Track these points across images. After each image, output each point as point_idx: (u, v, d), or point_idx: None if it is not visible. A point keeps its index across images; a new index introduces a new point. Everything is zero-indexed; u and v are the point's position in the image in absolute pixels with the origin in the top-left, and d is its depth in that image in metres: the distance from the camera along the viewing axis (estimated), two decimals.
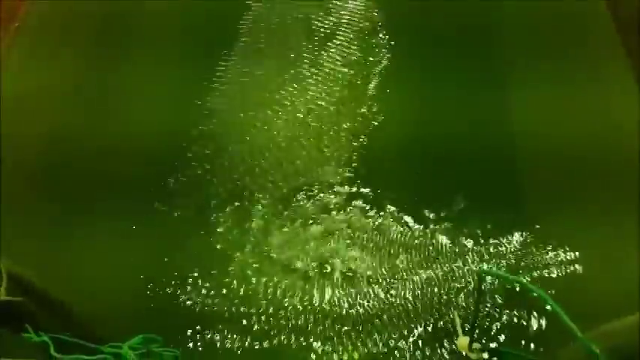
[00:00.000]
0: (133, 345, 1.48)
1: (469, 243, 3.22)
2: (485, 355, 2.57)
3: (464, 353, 2.55)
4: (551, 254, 3.20)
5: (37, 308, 1.91)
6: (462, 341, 2.59)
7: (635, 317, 2.31)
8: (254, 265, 3.12)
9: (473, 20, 4.26)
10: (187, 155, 3.54)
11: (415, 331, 2.90)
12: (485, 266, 3.09)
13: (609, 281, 3.01)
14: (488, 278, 2.98)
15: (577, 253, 3.18)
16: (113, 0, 4.26)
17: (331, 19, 4.27)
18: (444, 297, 3.00)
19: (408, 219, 3.31)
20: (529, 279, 3.02)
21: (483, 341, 2.76)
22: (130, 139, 3.53)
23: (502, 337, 2.88)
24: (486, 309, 2.94)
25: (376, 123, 3.74)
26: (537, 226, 3.28)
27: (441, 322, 2.91)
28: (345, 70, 3.99)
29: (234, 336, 2.89)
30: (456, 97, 3.80)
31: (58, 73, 3.86)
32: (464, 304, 2.97)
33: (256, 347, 2.85)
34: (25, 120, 3.63)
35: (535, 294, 2.77)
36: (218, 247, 3.20)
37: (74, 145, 3.54)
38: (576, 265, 3.16)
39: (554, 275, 3.12)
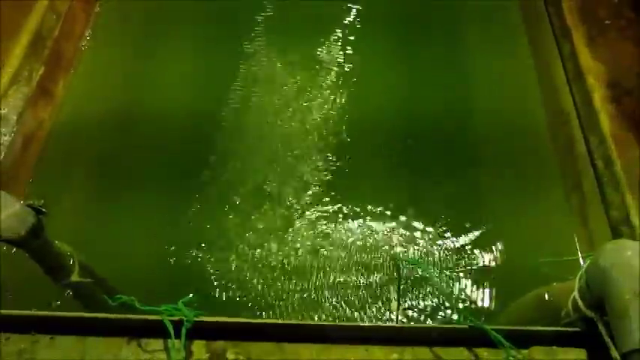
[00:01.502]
0: (185, 301, 1.99)
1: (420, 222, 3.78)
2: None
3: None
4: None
5: (97, 288, 2.83)
6: (394, 304, 3.60)
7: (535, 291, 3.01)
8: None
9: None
10: (214, 137, 4.04)
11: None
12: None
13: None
14: None
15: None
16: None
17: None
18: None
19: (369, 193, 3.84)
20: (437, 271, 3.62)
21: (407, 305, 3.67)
22: (161, 120, 4.08)
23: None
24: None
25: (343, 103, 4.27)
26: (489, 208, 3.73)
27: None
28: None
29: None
30: (419, 77, 4.30)
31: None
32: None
33: None
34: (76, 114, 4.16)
35: (437, 288, 3.58)
36: (247, 224, 3.69)
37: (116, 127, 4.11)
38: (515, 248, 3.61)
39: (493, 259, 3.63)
